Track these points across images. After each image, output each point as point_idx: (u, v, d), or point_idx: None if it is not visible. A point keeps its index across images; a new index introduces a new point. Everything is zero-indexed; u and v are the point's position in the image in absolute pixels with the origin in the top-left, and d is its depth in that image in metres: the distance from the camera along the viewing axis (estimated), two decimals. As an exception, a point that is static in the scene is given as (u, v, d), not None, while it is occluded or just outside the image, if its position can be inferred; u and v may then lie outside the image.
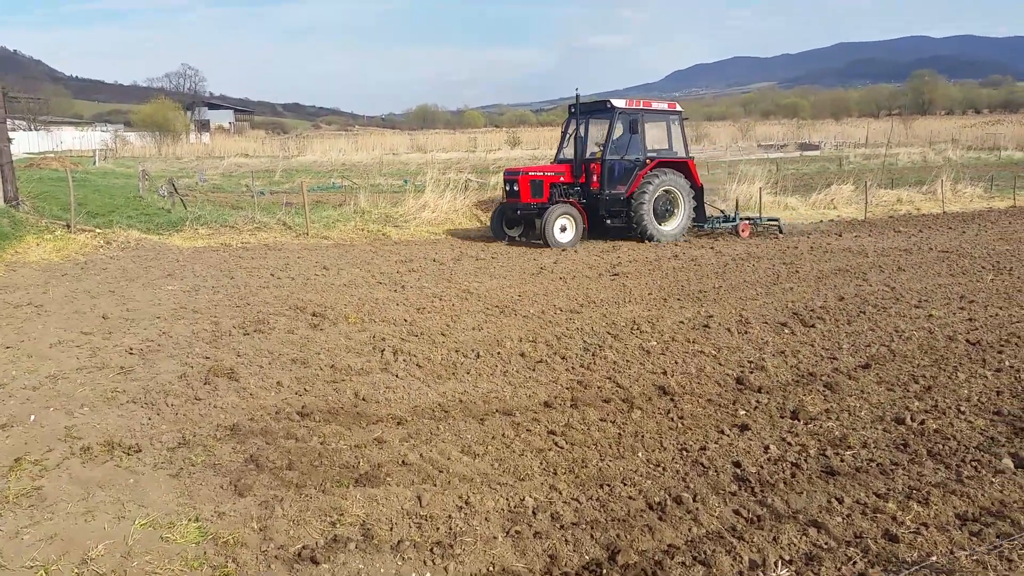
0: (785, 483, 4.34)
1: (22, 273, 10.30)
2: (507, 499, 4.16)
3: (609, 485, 4.31)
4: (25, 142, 52.46)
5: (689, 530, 3.83)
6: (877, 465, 4.53)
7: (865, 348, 6.94)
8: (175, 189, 18.69)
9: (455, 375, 6.38)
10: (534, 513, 4.01)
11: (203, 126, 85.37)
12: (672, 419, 5.32)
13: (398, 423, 5.31)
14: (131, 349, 6.83)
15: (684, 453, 4.76)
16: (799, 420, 5.26)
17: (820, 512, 3.96)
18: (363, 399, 5.73)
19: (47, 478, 4.32)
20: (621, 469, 4.53)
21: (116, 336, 7.29)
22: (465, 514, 3.99)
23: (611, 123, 15.09)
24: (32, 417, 5.22)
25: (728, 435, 5.03)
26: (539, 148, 62.68)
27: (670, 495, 4.18)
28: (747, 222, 16.36)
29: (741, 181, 20.49)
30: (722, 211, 17.16)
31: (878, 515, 3.90)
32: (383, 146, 60.69)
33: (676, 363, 6.57)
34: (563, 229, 14.50)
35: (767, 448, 4.81)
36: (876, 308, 8.42)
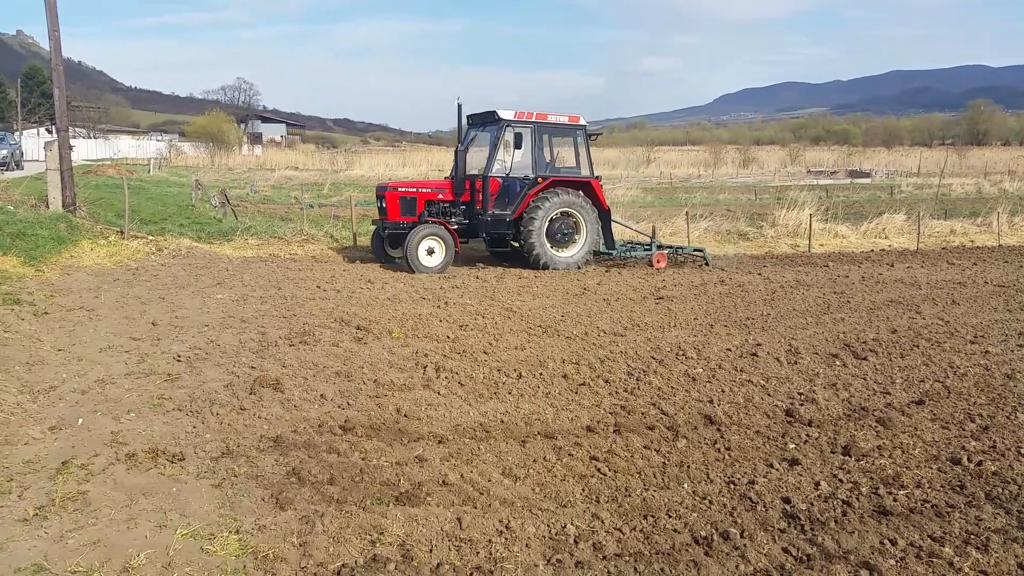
0: (836, 522, 4.19)
1: (76, 277, 10.53)
2: (548, 525, 4.09)
3: (653, 516, 4.21)
4: (84, 149, 54.09)
5: (736, 567, 3.71)
6: (932, 507, 4.35)
7: (919, 383, 6.72)
8: (227, 200, 19.05)
9: (497, 395, 6.33)
10: (576, 542, 3.92)
11: (255, 139, 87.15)
12: (719, 450, 5.19)
13: (439, 441, 5.27)
14: (179, 356, 6.92)
15: (731, 486, 4.64)
16: (851, 456, 5.10)
17: (872, 554, 3.82)
18: (405, 415, 5.71)
19: (92, 483, 4.35)
20: (666, 500, 4.43)
21: (165, 343, 7.39)
22: (506, 539, 3.92)
23: (497, 136, 13.72)
24: (80, 421, 5.30)
25: (777, 469, 4.89)
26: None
27: (717, 530, 4.06)
28: (663, 251, 15.13)
29: (790, 207, 20.20)
30: (654, 241, 15.64)
31: (934, 560, 3.75)
32: (429, 162, 61.26)
33: (723, 392, 6.44)
34: (430, 252, 13.23)
35: (818, 484, 4.66)
36: (930, 342, 8.17)
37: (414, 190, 13.91)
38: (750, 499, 4.46)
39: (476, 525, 4.03)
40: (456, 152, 13.96)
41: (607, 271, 14.07)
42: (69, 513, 3.97)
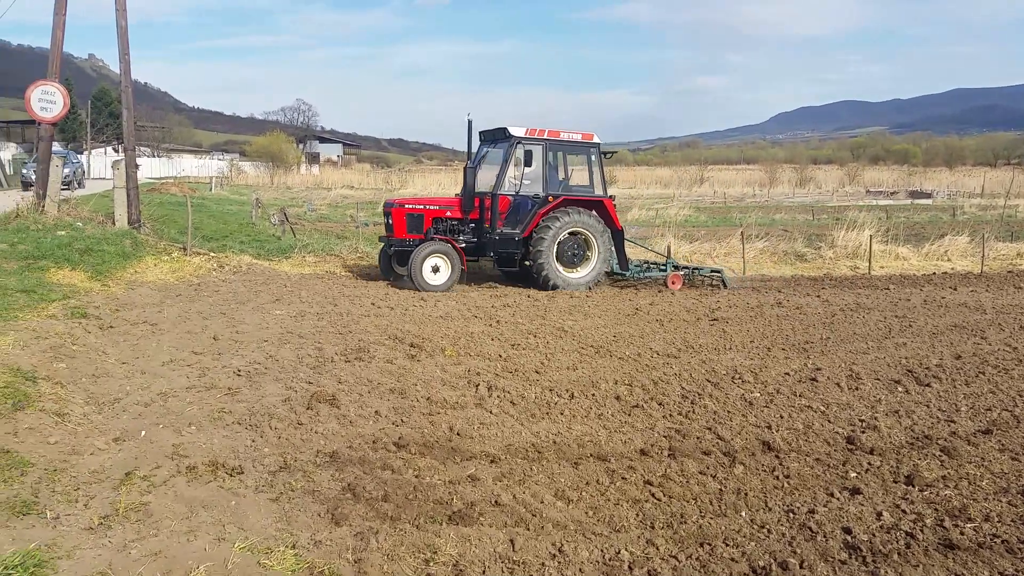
0: (900, 554, 4.05)
1: (140, 292, 10.86)
2: (602, 550, 4.04)
3: (710, 544, 4.13)
4: (148, 168, 55.96)
5: (796, 599, 3.62)
6: (1003, 542, 4.17)
7: (985, 412, 6.49)
8: (286, 218, 19.48)
9: (549, 415, 6.31)
10: (630, 568, 3.87)
11: (313, 158, 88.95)
12: (777, 477, 5.08)
13: (491, 461, 5.27)
14: (239, 371, 7.06)
15: (790, 515, 4.52)
16: (914, 486, 4.93)
17: (940, 590, 3.68)
18: (457, 434, 5.73)
19: (154, 494, 4.44)
20: (723, 528, 4.34)
21: (225, 357, 7.56)
22: (559, 563, 3.89)
23: (508, 153, 13.46)
24: (143, 433, 5.43)
25: (838, 498, 4.76)
26: (635, 187, 62.51)
27: (775, 560, 3.96)
28: (679, 272, 14.85)
29: (849, 228, 19.79)
30: (670, 260, 15.42)
31: (1006, 599, 3.60)
32: (481, 181, 61.70)
33: (781, 417, 6.30)
34: (435, 270, 12.94)
35: (880, 515, 4.51)
36: (996, 369, 7.89)
37: (421, 207, 13.70)
38: (810, 529, 4.34)
39: (529, 547, 4.01)
40: (465, 169, 13.71)
41: (656, 292, 13.93)
42: (132, 523, 4.06)
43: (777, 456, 5.44)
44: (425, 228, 13.45)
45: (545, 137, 13.62)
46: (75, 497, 4.32)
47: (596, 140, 14.13)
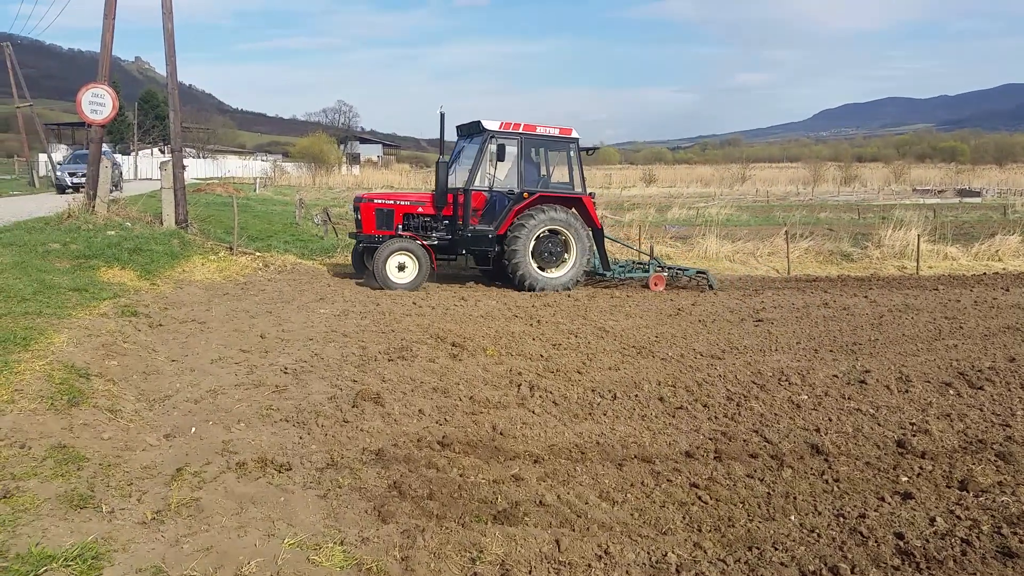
0: (955, 561, 3.96)
1: (188, 291, 11.06)
2: (648, 552, 4.01)
3: (759, 548, 4.07)
4: (194, 168, 56.99)
5: (848, 605, 3.55)
6: (1064, 551, 4.06)
7: (1043, 416, 6.31)
8: (328, 218, 19.69)
9: (591, 415, 6.28)
10: (678, 571, 3.84)
11: (354, 159, 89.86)
12: (827, 481, 4.99)
13: (535, 461, 5.27)
14: (285, 368, 7.16)
15: (840, 519, 4.44)
16: (968, 492, 4.81)
17: (999, 599, 3.59)
18: (501, 433, 5.74)
19: (205, 490, 4.52)
20: (772, 532, 4.28)
21: (272, 355, 7.66)
22: (605, 564, 3.87)
23: (481, 147, 13.03)
24: (193, 429, 5.53)
25: (889, 503, 4.66)
26: (675, 186, 61.97)
27: (826, 564, 3.90)
28: (662, 273, 14.46)
29: (896, 227, 19.39)
30: (653, 261, 15.08)
31: (1069, 609, 3.49)
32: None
33: (830, 420, 6.19)
34: (401, 268, 12.62)
35: (933, 520, 4.41)
36: (1054, 372, 7.67)
37: (391, 202, 13.45)
38: (861, 533, 4.26)
39: (575, 548, 4.00)
40: (436, 163, 13.35)
41: (697, 293, 13.79)
42: (184, 519, 4.13)
43: (826, 459, 5.35)
44: (396, 224, 13.22)
45: (520, 131, 13.24)
46: (129, 492, 4.41)
47: (575, 135, 13.67)
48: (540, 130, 13.40)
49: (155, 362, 7.19)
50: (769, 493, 4.80)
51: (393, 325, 9.36)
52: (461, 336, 8.81)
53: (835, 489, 4.88)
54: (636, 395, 6.81)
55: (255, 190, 41.72)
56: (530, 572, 3.78)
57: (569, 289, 13.34)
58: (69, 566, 3.46)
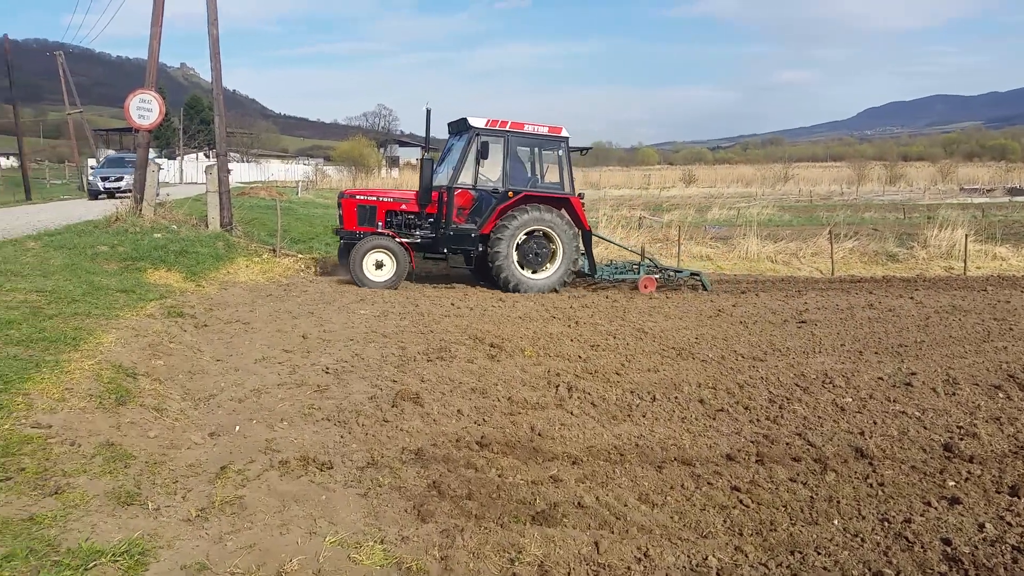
0: (1006, 569, 3.86)
1: (232, 292, 11.26)
2: (688, 556, 3.97)
3: (801, 552, 4.01)
4: (238, 172, 57.96)
5: (894, 612, 3.48)
6: (1123, 561, 3.92)
7: (1099, 422, 6.11)
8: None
9: (630, 417, 6.25)
10: (718, 575, 3.79)
11: (393, 162, 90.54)
12: (871, 485, 4.90)
13: (573, 462, 5.25)
14: (327, 368, 7.24)
15: (885, 524, 4.35)
16: (1020, 498, 4.68)
17: (1053, 609, 3.48)
18: (539, 434, 5.73)
19: (248, 488, 4.58)
20: (815, 536, 4.21)
21: (314, 355, 7.76)
22: (644, 567, 3.84)
23: (467, 145, 12.76)
24: (237, 428, 5.62)
25: (936, 508, 4.56)
26: (715, 186, 61.32)
27: (870, 570, 3.83)
28: (653, 276, 14.01)
29: (943, 227, 18.96)
30: (643, 262, 14.60)
31: None
32: (558, 181, 61.48)
33: (875, 423, 6.07)
34: (379, 266, 12.48)
35: (982, 526, 4.30)
36: (1111, 376, 7.42)
37: (374, 199, 13.27)
38: (906, 539, 4.17)
39: (614, 550, 3.98)
40: (421, 160, 13.17)
41: (737, 294, 13.62)
42: (227, 516, 4.19)
43: (871, 463, 5.25)
44: (378, 221, 13.06)
45: (507, 129, 12.91)
46: (174, 489, 4.49)
47: (565, 134, 13.29)
48: (528, 128, 13.10)
49: (200, 362, 7.32)
50: (812, 497, 4.72)
51: (432, 326, 9.41)
52: (499, 337, 8.83)
53: (880, 493, 4.78)
54: (676, 397, 6.76)
55: (297, 193, 42.23)
56: (569, 573, 3.77)
57: (557, 291, 13.06)
58: (117, 561, 3.54)
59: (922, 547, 4.07)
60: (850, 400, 6.69)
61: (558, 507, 4.45)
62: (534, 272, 13.10)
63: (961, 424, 6.06)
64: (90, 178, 30.18)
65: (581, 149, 14.62)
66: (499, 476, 4.91)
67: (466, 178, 12.96)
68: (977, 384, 7.20)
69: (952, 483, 4.95)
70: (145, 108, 15.22)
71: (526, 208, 12.87)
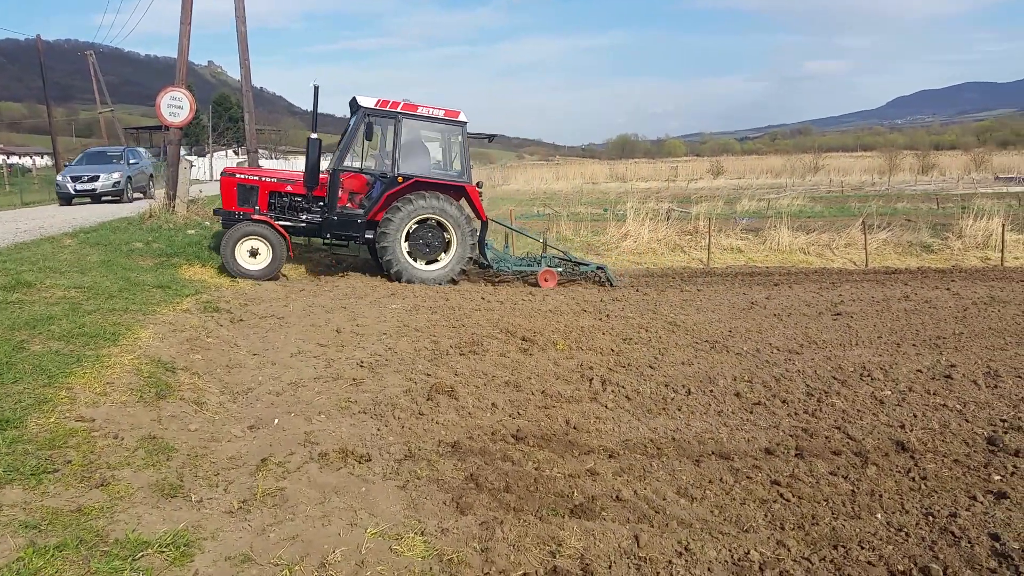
0: (1056, 566, 3.78)
1: (266, 287, 11.35)
2: (730, 550, 3.95)
3: (844, 547, 3.96)
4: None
5: (943, 608, 3.43)
6: None
7: None
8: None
9: (665, 411, 6.22)
10: (761, 569, 3.76)
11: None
12: (913, 479, 4.83)
13: (609, 456, 5.24)
14: (362, 362, 7.28)
15: (930, 518, 4.29)
16: (1069, 493, 4.60)
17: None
18: (574, 427, 5.73)
19: (289, 480, 4.63)
20: (857, 530, 4.16)
21: (348, 349, 7.80)
22: (686, 561, 3.83)
23: (353, 125, 12.06)
24: (276, 421, 5.67)
25: (982, 502, 4.48)
26: (744, 177, 60.72)
27: (916, 564, 3.78)
28: (553, 269, 13.31)
29: (978, 217, 18.60)
30: (544, 255, 14.17)
31: None
32: (583, 175, 61.42)
33: (915, 416, 5.99)
34: (253, 253, 11.64)
35: (1031, 522, 4.23)
36: None
37: (256, 178, 12.47)
38: (952, 533, 4.11)
39: (654, 544, 3.96)
40: (308, 140, 12.35)
41: (771, 286, 13.49)
42: (269, 508, 4.24)
43: (912, 457, 5.18)
44: (260, 203, 12.30)
45: (398, 111, 12.14)
46: (216, 482, 4.55)
47: (463, 119, 12.53)
48: (422, 111, 12.31)
49: (237, 356, 7.40)
50: (854, 491, 4.67)
51: (463, 320, 9.43)
52: (531, 330, 8.82)
53: (923, 487, 4.72)
54: (711, 390, 6.71)
55: (324, 188, 42.49)
56: (610, 567, 3.76)
57: (456, 282, 12.61)
58: (163, 552, 3.59)
59: (969, 542, 4.01)
60: (889, 393, 6.60)
61: (596, 500, 4.45)
62: (428, 263, 12.50)
63: (1005, 417, 5.95)
64: (58, 179, 24.59)
65: (486, 136, 14.07)
66: (536, 469, 4.91)
67: (353, 161, 12.46)
68: (1020, 376, 7.07)
69: (998, 477, 4.86)
70: (176, 105, 15.39)
71: (422, 195, 12.20)
